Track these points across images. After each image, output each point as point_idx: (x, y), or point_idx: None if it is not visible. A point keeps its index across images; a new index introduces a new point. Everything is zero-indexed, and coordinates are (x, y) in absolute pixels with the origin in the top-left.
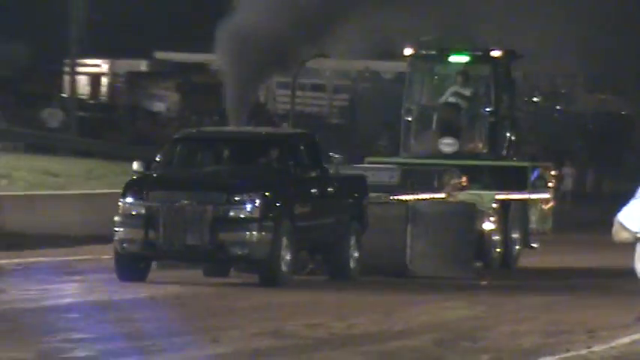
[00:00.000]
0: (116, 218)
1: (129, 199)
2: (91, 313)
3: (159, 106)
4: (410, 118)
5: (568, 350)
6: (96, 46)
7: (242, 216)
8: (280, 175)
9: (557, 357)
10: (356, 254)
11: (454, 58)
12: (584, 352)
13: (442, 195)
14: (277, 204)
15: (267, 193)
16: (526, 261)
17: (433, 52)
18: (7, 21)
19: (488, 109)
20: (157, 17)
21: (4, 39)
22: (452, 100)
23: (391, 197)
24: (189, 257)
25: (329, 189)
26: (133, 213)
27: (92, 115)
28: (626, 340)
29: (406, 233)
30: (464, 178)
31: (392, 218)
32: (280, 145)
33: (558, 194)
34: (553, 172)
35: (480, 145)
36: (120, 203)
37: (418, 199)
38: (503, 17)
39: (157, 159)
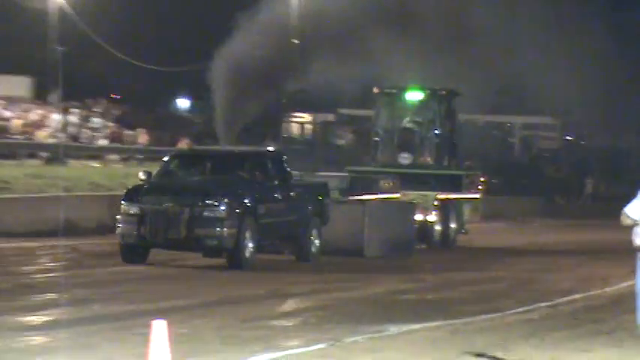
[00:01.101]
0: (118, 217)
1: (127, 202)
2: None
3: (340, 142)
4: (377, 138)
5: (589, 290)
6: (302, 104)
7: (213, 215)
8: (246, 183)
9: (582, 294)
10: (317, 242)
11: (409, 95)
12: (599, 291)
13: (390, 195)
14: (241, 205)
15: (232, 197)
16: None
17: (394, 90)
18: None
19: (434, 132)
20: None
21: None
22: (408, 125)
23: (349, 197)
24: (171, 247)
25: (291, 193)
26: (129, 213)
27: (299, 147)
28: (624, 284)
29: (363, 224)
30: (393, 182)
31: (352, 213)
32: (249, 160)
33: (582, 197)
34: (482, 179)
35: (429, 159)
36: (121, 205)
37: (372, 199)
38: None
39: (157, 170)
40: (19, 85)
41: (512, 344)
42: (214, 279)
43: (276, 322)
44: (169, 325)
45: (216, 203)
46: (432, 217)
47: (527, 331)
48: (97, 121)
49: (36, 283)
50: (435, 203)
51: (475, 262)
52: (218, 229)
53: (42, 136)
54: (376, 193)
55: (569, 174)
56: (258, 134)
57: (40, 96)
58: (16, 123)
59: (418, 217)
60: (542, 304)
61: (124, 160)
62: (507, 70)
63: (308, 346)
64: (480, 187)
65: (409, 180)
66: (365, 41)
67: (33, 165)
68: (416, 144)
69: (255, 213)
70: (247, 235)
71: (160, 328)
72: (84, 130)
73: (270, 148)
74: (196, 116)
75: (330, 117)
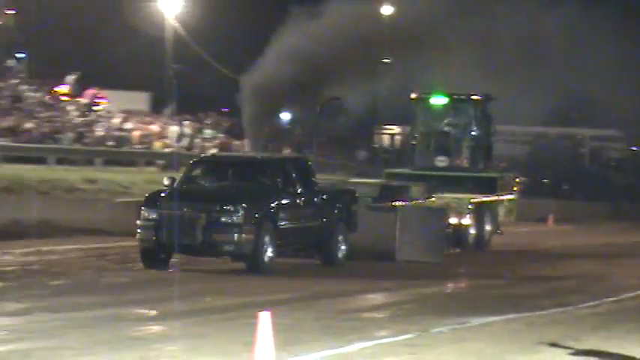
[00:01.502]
0: (137, 222)
1: (146, 207)
2: None
3: None
4: (414, 142)
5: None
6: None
7: (230, 221)
8: (266, 188)
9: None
10: (343, 247)
11: (444, 100)
12: None
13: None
14: (259, 211)
15: (249, 203)
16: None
17: (430, 95)
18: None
19: (470, 136)
20: None
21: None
22: (444, 129)
23: (381, 203)
24: (188, 252)
25: (315, 199)
26: (148, 218)
27: (388, 156)
28: None
29: (395, 228)
30: (424, 188)
31: (384, 217)
32: (271, 167)
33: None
34: (517, 180)
35: (464, 161)
36: (141, 211)
37: (403, 204)
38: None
39: (180, 177)
40: (139, 99)
41: (583, 335)
42: (311, 275)
43: (368, 315)
44: (273, 316)
45: (233, 209)
46: (467, 220)
47: (595, 324)
48: (208, 132)
49: (152, 278)
50: (470, 206)
51: (536, 262)
52: (235, 234)
53: (158, 145)
54: (407, 200)
55: (634, 181)
56: (351, 144)
57: (156, 110)
58: (136, 134)
59: (453, 220)
60: (609, 299)
61: None
62: (577, 85)
63: (397, 336)
64: (515, 188)
65: (445, 182)
66: (435, 52)
67: (150, 172)
68: (452, 147)
69: (274, 218)
70: (266, 240)
71: (265, 318)
72: (197, 140)
73: (295, 155)
74: (296, 128)
75: None
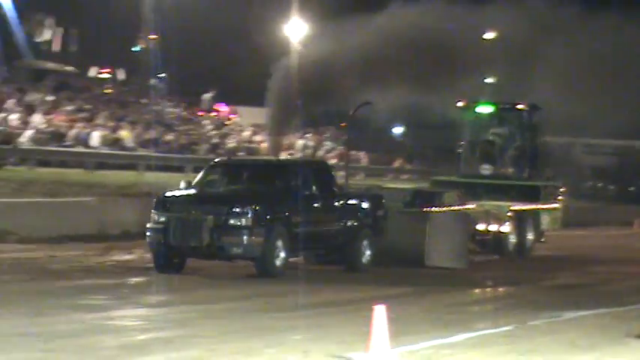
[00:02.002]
0: (148, 225)
1: (156, 210)
2: None
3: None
4: (461, 150)
5: None
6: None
7: (238, 224)
8: (280, 192)
9: None
10: (368, 252)
11: (490, 109)
12: None
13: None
14: (269, 214)
15: (258, 207)
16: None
17: (476, 104)
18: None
19: (515, 145)
20: None
21: None
22: (489, 137)
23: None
24: (196, 255)
25: (336, 204)
26: (157, 221)
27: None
28: None
29: (424, 234)
30: (458, 195)
31: (413, 223)
32: (287, 170)
33: None
34: (562, 189)
35: (509, 170)
36: (151, 213)
37: (434, 210)
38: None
39: (196, 180)
40: (265, 115)
41: None
42: (420, 273)
43: (471, 308)
44: (387, 309)
45: (241, 211)
46: (506, 227)
47: None
48: (329, 144)
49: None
50: (509, 214)
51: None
52: (245, 237)
53: (284, 156)
54: (439, 206)
55: None
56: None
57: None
58: (264, 145)
59: (492, 227)
60: None
61: (351, 175)
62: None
63: (497, 327)
64: (559, 198)
65: (489, 190)
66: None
67: None
68: (496, 156)
69: (287, 222)
70: (278, 244)
71: (380, 311)
72: (319, 152)
73: (315, 159)
74: (408, 140)
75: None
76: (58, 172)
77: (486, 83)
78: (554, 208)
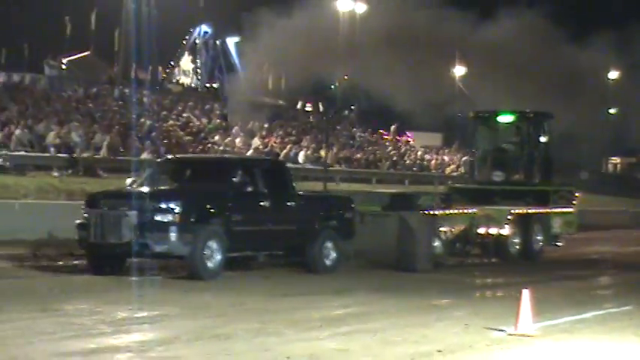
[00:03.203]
0: (76, 221)
1: (84, 208)
2: None
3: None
4: (473, 158)
5: None
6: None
7: (165, 220)
8: (221, 190)
9: None
10: (333, 254)
11: (501, 118)
12: None
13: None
14: (200, 212)
15: (187, 203)
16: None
17: (488, 114)
18: None
19: (526, 152)
20: None
21: None
22: (501, 145)
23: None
24: (118, 252)
25: (290, 204)
26: (85, 217)
27: (612, 181)
28: None
29: (395, 236)
30: (434, 201)
31: (387, 226)
32: (231, 168)
33: None
34: (576, 194)
35: (520, 176)
36: (81, 211)
37: (404, 212)
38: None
39: (141, 177)
40: (435, 138)
41: None
42: (543, 264)
43: (596, 292)
44: (531, 291)
45: (167, 207)
46: (506, 230)
47: None
48: None
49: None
50: (509, 217)
51: None
52: (172, 234)
53: (448, 170)
54: (415, 209)
55: None
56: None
57: (448, 144)
58: (433, 162)
59: (492, 230)
60: None
61: None
62: None
63: (619, 307)
64: (573, 202)
65: (502, 195)
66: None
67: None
68: (508, 163)
69: (226, 221)
70: (212, 244)
71: (525, 294)
72: None
73: (270, 158)
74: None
75: (633, 159)
76: None
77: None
78: (567, 212)
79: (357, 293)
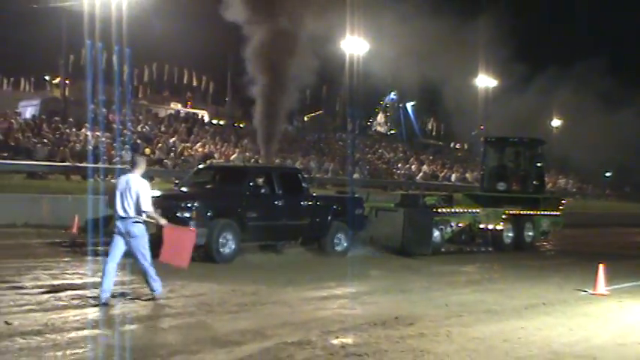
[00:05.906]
0: None
1: None
2: None
3: None
4: (483, 172)
5: None
6: None
7: (185, 215)
8: (237, 192)
9: None
10: (345, 244)
11: (504, 142)
12: None
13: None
14: (214, 209)
15: (202, 203)
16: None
17: (494, 139)
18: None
19: (524, 168)
20: None
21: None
22: (504, 163)
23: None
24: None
25: (303, 203)
26: None
27: None
28: None
29: (402, 227)
30: (437, 200)
31: (394, 219)
32: (249, 174)
33: None
34: (563, 201)
35: (518, 187)
36: None
37: (410, 208)
38: None
39: (182, 181)
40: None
41: None
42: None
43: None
44: (604, 265)
45: (185, 205)
46: (500, 226)
47: None
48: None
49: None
50: (504, 216)
51: None
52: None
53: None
54: (420, 206)
55: None
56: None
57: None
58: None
59: (490, 226)
60: None
61: None
62: None
63: None
64: (560, 207)
65: (504, 201)
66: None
67: None
68: (509, 176)
69: (241, 217)
70: (227, 235)
71: (601, 267)
72: None
73: (288, 166)
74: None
75: None
76: None
77: None
78: (554, 215)
79: (481, 266)
